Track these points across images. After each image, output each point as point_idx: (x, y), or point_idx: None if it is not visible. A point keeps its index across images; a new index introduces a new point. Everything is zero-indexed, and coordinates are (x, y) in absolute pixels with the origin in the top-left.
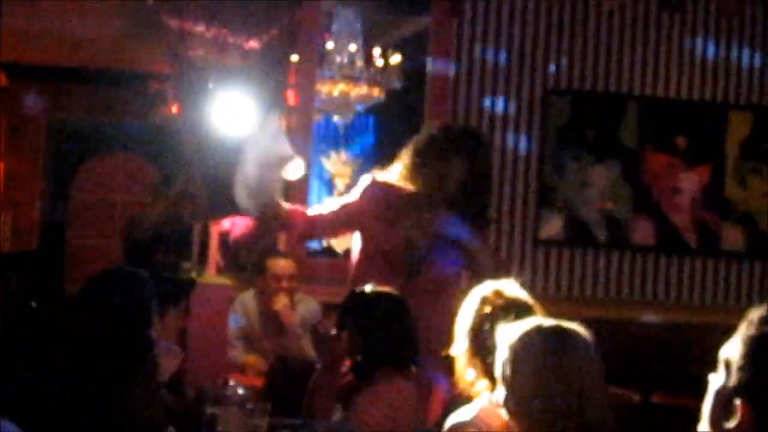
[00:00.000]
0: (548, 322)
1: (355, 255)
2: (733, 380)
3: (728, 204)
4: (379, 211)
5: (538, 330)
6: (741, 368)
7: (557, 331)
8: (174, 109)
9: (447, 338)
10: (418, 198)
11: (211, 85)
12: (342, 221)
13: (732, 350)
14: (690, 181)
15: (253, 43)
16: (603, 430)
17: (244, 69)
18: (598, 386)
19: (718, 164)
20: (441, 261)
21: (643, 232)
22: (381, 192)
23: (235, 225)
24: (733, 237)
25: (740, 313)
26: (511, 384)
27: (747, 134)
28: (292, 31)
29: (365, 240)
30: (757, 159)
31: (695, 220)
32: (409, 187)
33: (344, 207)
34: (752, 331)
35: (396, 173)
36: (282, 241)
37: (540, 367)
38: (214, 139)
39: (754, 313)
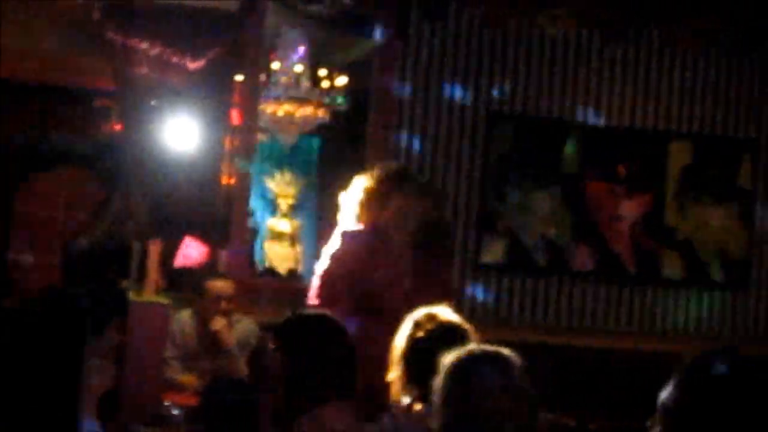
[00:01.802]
0: (472, 347)
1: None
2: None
3: (668, 232)
4: (361, 257)
5: (453, 356)
6: (674, 414)
7: (469, 356)
8: (117, 126)
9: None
10: (387, 233)
11: (154, 103)
12: (332, 284)
13: (666, 395)
14: (630, 209)
15: (197, 62)
16: None
17: (188, 88)
18: (515, 411)
19: (658, 192)
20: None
21: (583, 258)
22: (359, 240)
23: (189, 249)
24: (672, 265)
25: (679, 341)
26: (437, 408)
27: (687, 163)
28: (236, 50)
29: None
30: (697, 188)
31: (635, 247)
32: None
33: (326, 274)
34: (683, 376)
35: (353, 212)
36: (222, 262)
37: (448, 393)
38: (156, 157)
39: (688, 359)
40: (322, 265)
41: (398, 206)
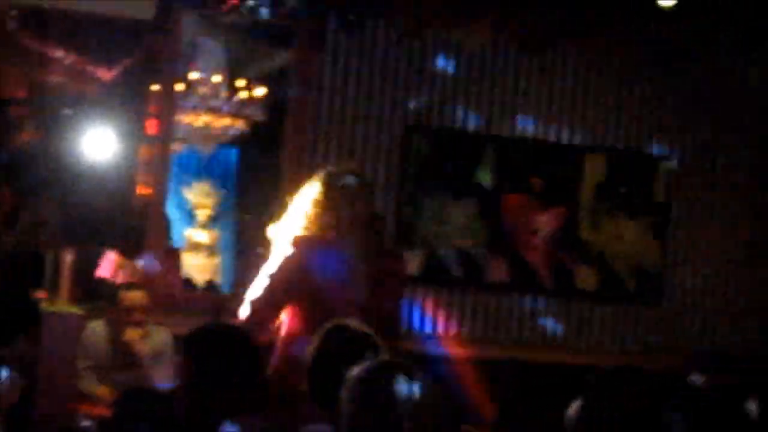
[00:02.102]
0: (380, 359)
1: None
2: None
3: (582, 245)
4: (311, 266)
5: (363, 367)
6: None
7: (379, 367)
8: (32, 136)
9: None
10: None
11: (69, 112)
12: (277, 297)
13: (571, 412)
14: (545, 222)
15: (113, 71)
16: None
17: (104, 97)
18: (421, 422)
19: (573, 205)
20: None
21: (498, 270)
22: (307, 248)
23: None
24: (586, 278)
25: (593, 353)
26: (343, 419)
27: (602, 177)
28: (152, 60)
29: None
30: (611, 202)
31: (550, 260)
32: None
33: (271, 285)
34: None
35: (298, 220)
36: (136, 271)
37: (354, 403)
38: (71, 166)
39: (592, 378)
40: (268, 270)
41: (347, 213)
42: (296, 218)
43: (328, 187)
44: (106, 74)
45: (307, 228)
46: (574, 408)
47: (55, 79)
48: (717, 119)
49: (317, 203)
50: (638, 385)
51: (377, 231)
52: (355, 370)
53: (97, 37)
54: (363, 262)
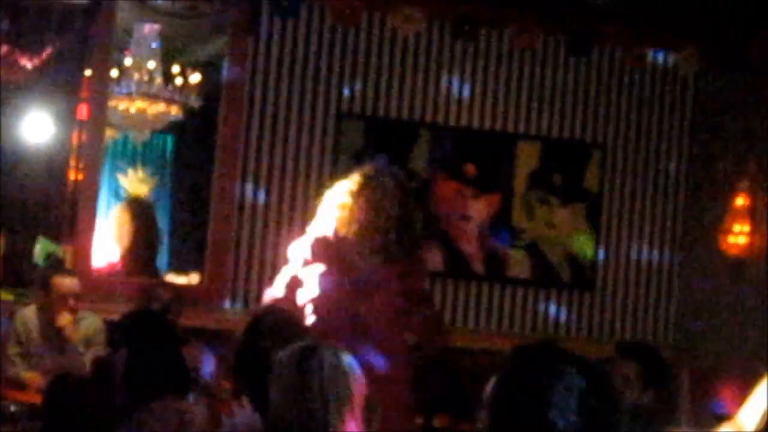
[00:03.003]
0: (307, 341)
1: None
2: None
3: (515, 232)
4: (330, 264)
5: (291, 350)
6: (493, 408)
7: (306, 349)
8: None
9: None
10: (362, 241)
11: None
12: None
13: (488, 389)
14: (478, 209)
15: (44, 56)
16: None
17: (35, 82)
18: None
19: (506, 193)
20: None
21: (432, 258)
22: (327, 247)
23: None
24: (520, 265)
25: (526, 341)
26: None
27: (535, 164)
28: (85, 45)
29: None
30: (544, 189)
31: (483, 247)
32: (349, 229)
33: (293, 283)
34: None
35: (331, 217)
36: (66, 256)
37: (286, 382)
38: (1, 151)
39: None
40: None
41: (367, 214)
42: (326, 217)
43: (364, 186)
44: (37, 59)
45: (337, 228)
46: (490, 384)
47: None
48: (650, 106)
49: (350, 202)
50: (553, 361)
51: (413, 235)
52: (281, 354)
53: (29, 21)
54: (389, 267)
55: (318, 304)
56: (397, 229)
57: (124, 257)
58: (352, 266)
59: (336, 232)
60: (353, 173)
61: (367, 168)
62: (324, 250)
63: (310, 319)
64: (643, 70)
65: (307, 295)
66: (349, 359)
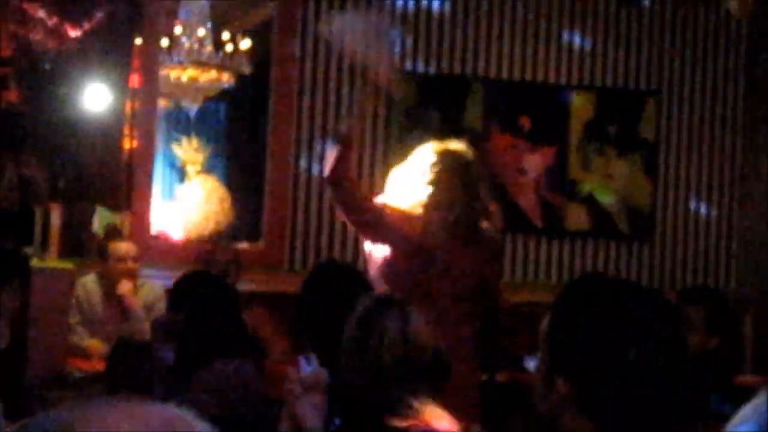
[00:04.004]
0: (375, 296)
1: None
2: (550, 355)
3: (572, 185)
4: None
5: (358, 309)
6: (553, 343)
7: (371, 310)
8: (15, 94)
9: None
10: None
11: (51, 67)
12: (386, 225)
13: (546, 326)
14: (534, 162)
15: (92, 24)
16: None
17: (85, 51)
18: (415, 359)
19: (561, 145)
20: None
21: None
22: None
23: None
24: (577, 217)
25: None
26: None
27: (590, 116)
28: (134, 13)
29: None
30: (600, 140)
31: (540, 200)
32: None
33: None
34: (562, 305)
35: (407, 197)
36: (124, 225)
37: (350, 342)
38: (56, 122)
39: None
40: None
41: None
42: (398, 192)
43: (434, 163)
44: (86, 28)
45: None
46: (545, 320)
47: (36, 34)
48: (704, 49)
49: (420, 179)
50: (605, 292)
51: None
52: (359, 306)
53: None
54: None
55: (388, 277)
56: (466, 206)
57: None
58: (422, 244)
59: (405, 209)
60: (421, 146)
61: (436, 145)
62: (395, 225)
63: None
64: (696, 12)
65: (377, 269)
66: (416, 320)
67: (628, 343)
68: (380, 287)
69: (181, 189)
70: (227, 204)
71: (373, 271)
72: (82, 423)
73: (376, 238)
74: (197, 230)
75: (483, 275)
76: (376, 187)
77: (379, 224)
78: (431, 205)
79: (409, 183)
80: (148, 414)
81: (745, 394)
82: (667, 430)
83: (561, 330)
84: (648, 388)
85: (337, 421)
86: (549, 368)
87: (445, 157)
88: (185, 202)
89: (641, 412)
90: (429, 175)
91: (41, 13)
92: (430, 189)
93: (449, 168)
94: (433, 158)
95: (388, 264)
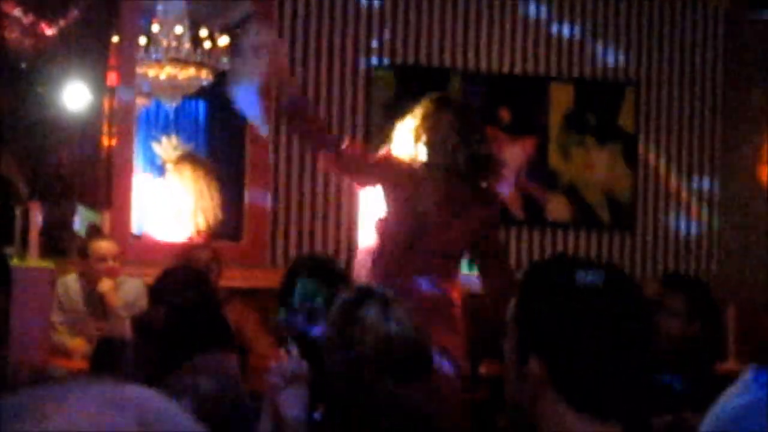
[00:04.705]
0: (361, 287)
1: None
2: (521, 336)
3: (552, 175)
4: (401, 181)
5: (337, 302)
6: (524, 323)
7: (351, 302)
8: None
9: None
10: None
11: (28, 67)
12: (373, 167)
13: (513, 309)
14: (514, 154)
15: (68, 21)
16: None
17: (62, 49)
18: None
19: (541, 136)
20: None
21: None
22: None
23: None
24: (558, 208)
25: None
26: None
27: (569, 106)
28: (111, 10)
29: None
30: (580, 131)
31: (520, 191)
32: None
33: (379, 161)
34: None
35: (403, 144)
36: (105, 224)
37: (330, 334)
38: (33, 120)
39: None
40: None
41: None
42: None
43: (430, 109)
44: (62, 27)
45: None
46: (510, 305)
47: (12, 35)
48: (681, 40)
49: (417, 125)
50: (569, 265)
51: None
52: (339, 298)
53: None
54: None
55: (386, 232)
56: (466, 152)
57: (207, 225)
58: (422, 194)
59: (404, 158)
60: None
61: (433, 94)
62: (394, 172)
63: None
64: (672, 4)
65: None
66: (398, 312)
67: (599, 316)
68: (364, 276)
69: (159, 184)
70: (210, 192)
71: (361, 251)
72: (52, 404)
73: (362, 178)
74: (179, 225)
75: (475, 243)
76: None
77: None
78: (428, 145)
79: (408, 133)
80: (119, 394)
81: (727, 381)
82: (645, 407)
83: (531, 309)
84: (623, 363)
85: (318, 414)
86: (521, 351)
87: (440, 99)
88: (165, 197)
89: (619, 389)
90: (425, 120)
91: (16, 12)
92: (426, 133)
93: (442, 108)
94: (428, 103)
95: (381, 223)
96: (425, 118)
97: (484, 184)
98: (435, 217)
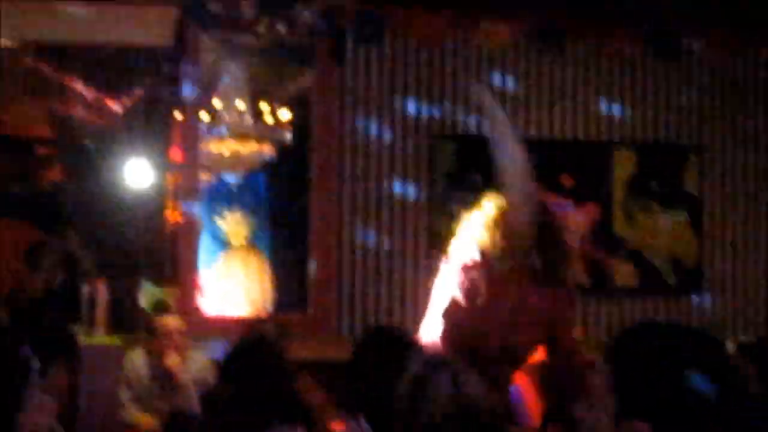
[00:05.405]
0: (428, 358)
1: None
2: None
3: (617, 241)
4: (478, 294)
5: (407, 375)
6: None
7: (420, 376)
8: (58, 173)
9: None
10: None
11: (92, 144)
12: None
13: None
14: (578, 220)
15: (133, 99)
16: None
17: (126, 126)
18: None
19: (605, 202)
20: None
21: None
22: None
23: None
24: (624, 273)
25: None
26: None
27: (632, 171)
28: (173, 87)
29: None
30: (644, 196)
31: (585, 258)
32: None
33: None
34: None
35: (476, 238)
36: (170, 299)
37: (401, 408)
38: (99, 198)
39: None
40: (441, 303)
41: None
42: (466, 248)
43: (501, 214)
44: (126, 103)
45: (480, 258)
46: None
47: (76, 111)
48: (744, 103)
49: (490, 233)
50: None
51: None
52: (412, 368)
53: (116, 65)
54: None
55: (464, 333)
56: (540, 253)
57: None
58: (500, 295)
59: (480, 262)
60: (484, 201)
61: (499, 196)
62: (472, 279)
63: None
64: (734, 64)
65: (452, 324)
66: (468, 382)
67: (691, 377)
68: (437, 347)
69: (224, 263)
70: (269, 278)
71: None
72: None
73: None
74: (243, 304)
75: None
76: (418, 254)
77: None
78: (502, 248)
79: (479, 231)
80: None
81: None
82: None
83: (629, 376)
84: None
85: None
86: (623, 415)
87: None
88: (229, 276)
89: None
90: (499, 221)
91: (82, 89)
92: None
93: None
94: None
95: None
96: (500, 218)
97: (559, 285)
98: (506, 321)
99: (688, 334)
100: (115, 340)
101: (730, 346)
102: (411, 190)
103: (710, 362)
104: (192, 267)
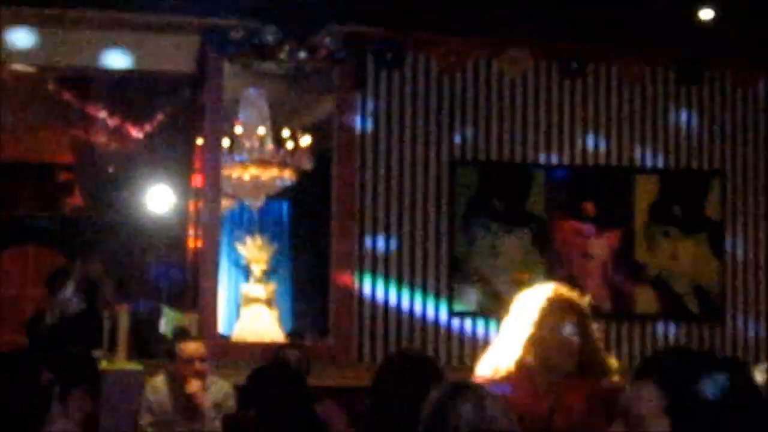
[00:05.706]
0: (451, 383)
1: None
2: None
3: (639, 267)
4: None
5: (433, 395)
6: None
7: (445, 396)
8: (80, 199)
9: None
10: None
11: (114, 170)
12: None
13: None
14: (600, 247)
15: (155, 125)
16: None
17: (147, 152)
18: None
19: (626, 228)
20: None
21: None
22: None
23: None
24: (646, 299)
25: None
26: None
27: (654, 197)
28: (194, 114)
29: None
30: (665, 221)
31: (607, 284)
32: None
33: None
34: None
35: (510, 348)
36: (192, 325)
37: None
38: (120, 224)
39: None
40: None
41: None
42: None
43: (547, 314)
44: (147, 129)
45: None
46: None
47: (99, 138)
48: (765, 128)
49: (533, 331)
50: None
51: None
52: (433, 393)
53: (138, 92)
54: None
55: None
56: (580, 361)
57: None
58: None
59: (520, 360)
60: (538, 287)
61: (551, 291)
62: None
63: None
64: (755, 92)
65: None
66: (492, 404)
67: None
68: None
69: (245, 290)
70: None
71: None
72: None
73: None
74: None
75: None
76: (440, 279)
77: None
78: (546, 348)
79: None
80: None
81: None
82: None
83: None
84: None
85: None
86: None
87: (559, 300)
88: (250, 303)
89: None
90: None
91: (103, 115)
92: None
93: (566, 310)
94: (547, 304)
95: None
96: (544, 319)
97: (599, 385)
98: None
99: (714, 361)
100: (136, 366)
101: (759, 376)
102: (432, 217)
103: (737, 389)
104: (213, 293)
